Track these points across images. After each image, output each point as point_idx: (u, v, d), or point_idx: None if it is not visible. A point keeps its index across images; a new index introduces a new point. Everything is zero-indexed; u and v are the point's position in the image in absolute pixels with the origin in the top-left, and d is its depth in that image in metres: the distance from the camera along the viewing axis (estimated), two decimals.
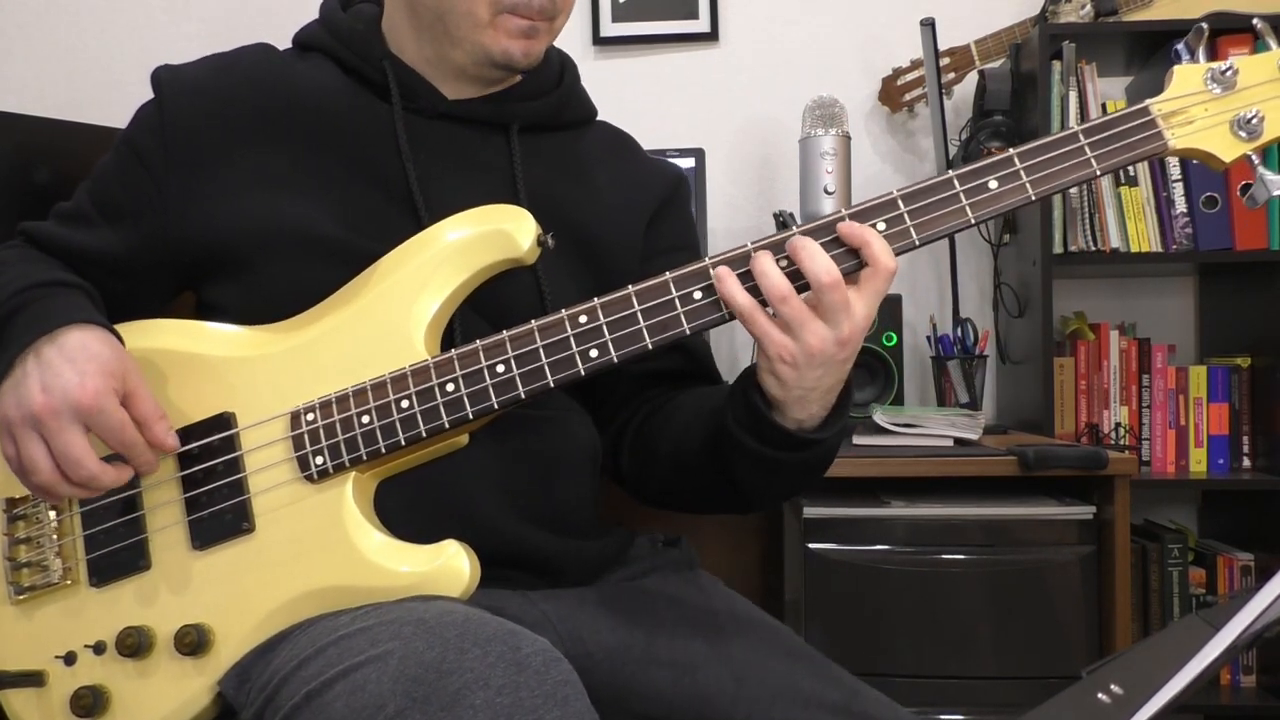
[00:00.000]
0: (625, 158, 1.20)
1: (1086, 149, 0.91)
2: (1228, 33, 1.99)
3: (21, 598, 0.97)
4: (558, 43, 1.18)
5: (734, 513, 1.13)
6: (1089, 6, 2.12)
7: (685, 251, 1.19)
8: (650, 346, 0.92)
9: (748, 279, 0.89)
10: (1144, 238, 2.07)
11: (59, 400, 0.88)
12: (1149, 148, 0.91)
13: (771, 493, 1.06)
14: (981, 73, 2.17)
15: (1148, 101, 0.91)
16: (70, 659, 0.95)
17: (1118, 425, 2.15)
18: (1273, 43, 0.93)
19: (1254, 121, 0.89)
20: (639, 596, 1.05)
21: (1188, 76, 0.91)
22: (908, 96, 2.27)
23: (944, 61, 2.19)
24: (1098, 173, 0.91)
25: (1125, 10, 2.13)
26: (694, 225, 1.23)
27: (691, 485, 1.08)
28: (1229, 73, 0.90)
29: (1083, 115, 2.09)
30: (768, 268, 0.88)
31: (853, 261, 0.89)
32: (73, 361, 0.89)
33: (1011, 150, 0.91)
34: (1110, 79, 2.26)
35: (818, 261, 0.87)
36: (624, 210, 1.14)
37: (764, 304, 0.89)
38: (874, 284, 0.88)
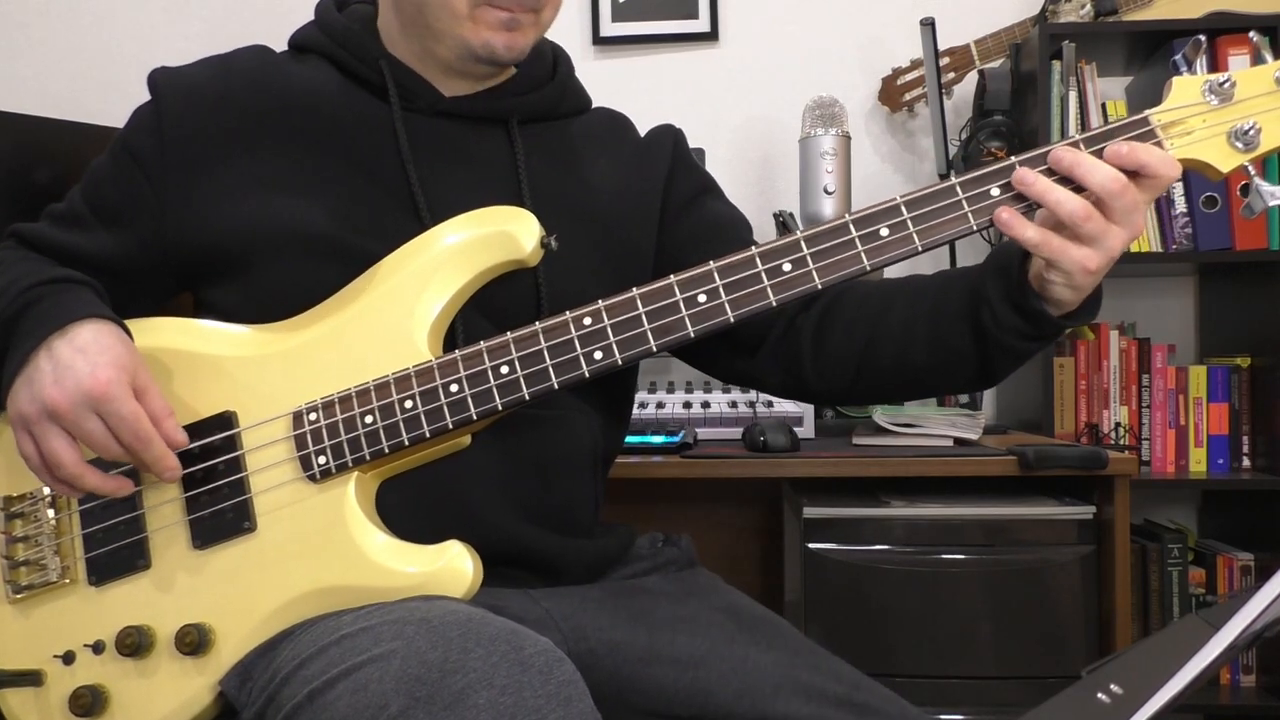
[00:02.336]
0: (622, 136, 1.20)
1: None
2: (1227, 32, 1.99)
3: (19, 596, 0.97)
4: (558, 42, 1.18)
5: (958, 392, 1.14)
6: (1089, 6, 2.12)
7: (709, 194, 1.20)
8: (655, 349, 0.93)
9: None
10: (1144, 237, 2.07)
11: (72, 390, 0.88)
12: None
13: (1010, 371, 1.07)
14: (981, 72, 2.17)
15: (1147, 112, 0.92)
16: (69, 658, 0.94)
17: (1118, 425, 2.15)
18: (1269, 56, 0.94)
19: (1251, 133, 0.90)
20: (640, 594, 1.05)
21: (1186, 88, 0.92)
22: (908, 96, 2.27)
23: (944, 61, 2.19)
24: None
25: (1125, 10, 2.13)
26: (702, 167, 1.23)
27: (912, 373, 1.08)
28: (1227, 85, 0.91)
29: (1083, 115, 2.09)
30: (1062, 195, 0.90)
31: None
32: (84, 353, 0.90)
33: (1014, 158, 0.92)
34: (1110, 79, 2.26)
35: (1102, 171, 0.89)
36: (633, 183, 1.15)
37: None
38: (1157, 187, 0.91)
